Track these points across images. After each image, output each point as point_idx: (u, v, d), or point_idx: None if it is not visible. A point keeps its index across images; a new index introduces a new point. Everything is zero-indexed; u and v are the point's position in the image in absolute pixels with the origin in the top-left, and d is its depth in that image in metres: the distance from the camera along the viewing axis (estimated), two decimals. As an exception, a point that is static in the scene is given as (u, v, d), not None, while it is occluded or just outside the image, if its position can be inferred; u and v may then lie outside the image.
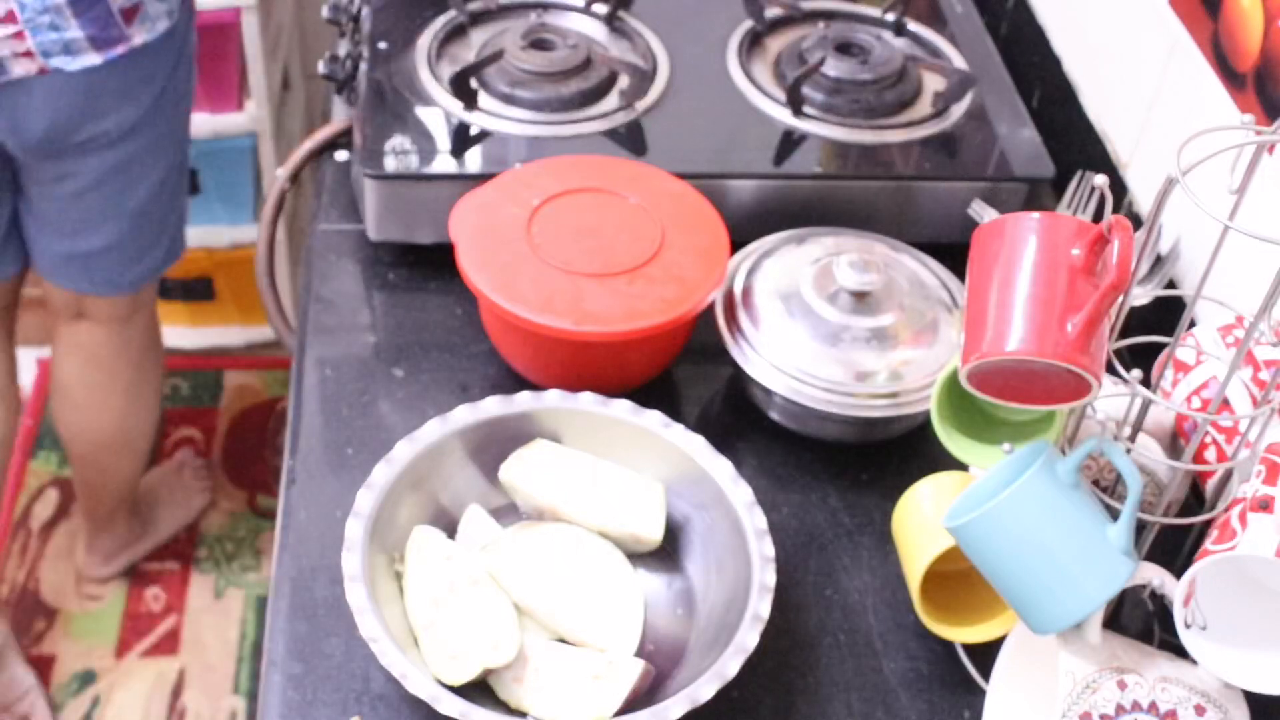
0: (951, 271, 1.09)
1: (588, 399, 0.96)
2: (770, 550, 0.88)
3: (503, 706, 0.85)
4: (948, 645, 0.94)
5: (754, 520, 0.90)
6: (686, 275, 1.02)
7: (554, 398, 0.96)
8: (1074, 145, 1.25)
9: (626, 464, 0.95)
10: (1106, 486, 0.90)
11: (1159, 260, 1.04)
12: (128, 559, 1.96)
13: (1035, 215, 0.77)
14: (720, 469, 0.93)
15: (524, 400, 0.95)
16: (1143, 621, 0.94)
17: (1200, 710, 0.80)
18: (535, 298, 0.99)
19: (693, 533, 0.94)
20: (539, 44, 1.23)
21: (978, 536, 0.80)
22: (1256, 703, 0.82)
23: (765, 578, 0.86)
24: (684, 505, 0.95)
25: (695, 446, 0.94)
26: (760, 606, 0.85)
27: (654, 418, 0.95)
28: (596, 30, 1.30)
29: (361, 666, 0.89)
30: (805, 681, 0.91)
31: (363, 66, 1.23)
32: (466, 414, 0.94)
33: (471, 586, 0.88)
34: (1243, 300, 0.87)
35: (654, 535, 0.92)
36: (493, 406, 0.95)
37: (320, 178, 1.27)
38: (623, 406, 0.96)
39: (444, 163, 1.15)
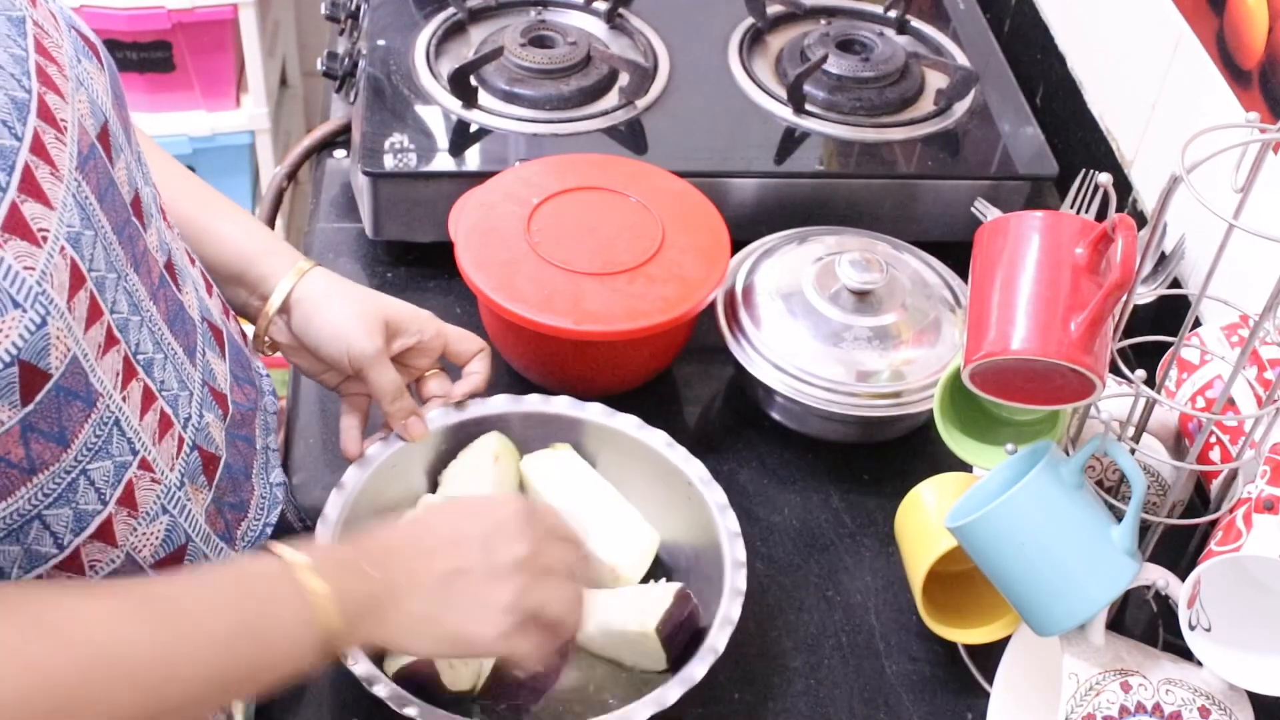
0: (954, 270, 1.08)
1: (563, 402, 0.95)
2: (742, 554, 0.87)
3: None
4: (950, 647, 0.93)
5: (727, 523, 0.89)
6: (687, 274, 1.01)
7: (535, 401, 0.95)
8: (1077, 143, 1.25)
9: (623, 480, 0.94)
10: (1110, 487, 0.90)
11: (1163, 259, 1.04)
12: None
13: (1038, 214, 0.76)
14: (693, 469, 0.91)
15: (499, 403, 0.95)
16: (1147, 623, 0.94)
17: (1205, 712, 0.79)
18: (535, 297, 0.99)
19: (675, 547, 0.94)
20: (538, 41, 1.22)
21: (980, 537, 0.80)
22: (1261, 704, 0.82)
23: (737, 581, 0.85)
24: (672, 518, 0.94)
25: (669, 448, 0.93)
26: (718, 639, 0.83)
27: (629, 420, 0.94)
28: (596, 27, 1.30)
29: (361, 668, 0.88)
30: (807, 683, 0.91)
31: (361, 64, 1.22)
32: (440, 416, 0.94)
33: None
34: (1248, 299, 0.87)
35: (631, 577, 0.91)
36: (470, 409, 0.95)
37: (318, 176, 1.26)
38: (596, 409, 0.95)
39: (443, 161, 1.14)
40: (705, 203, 1.08)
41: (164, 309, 0.74)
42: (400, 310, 0.92)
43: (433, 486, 0.94)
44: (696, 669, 0.81)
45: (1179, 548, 0.88)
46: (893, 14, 1.33)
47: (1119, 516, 0.79)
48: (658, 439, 0.93)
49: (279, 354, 0.93)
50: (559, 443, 0.95)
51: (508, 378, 1.08)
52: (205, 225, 0.89)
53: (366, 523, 0.88)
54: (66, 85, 0.66)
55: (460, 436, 0.94)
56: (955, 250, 1.09)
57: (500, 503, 0.80)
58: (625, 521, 0.93)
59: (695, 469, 0.92)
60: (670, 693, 0.80)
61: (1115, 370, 0.76)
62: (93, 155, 0.67)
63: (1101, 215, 1.02)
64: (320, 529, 0.86)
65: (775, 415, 1.05)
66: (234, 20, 1.98)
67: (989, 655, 0.90)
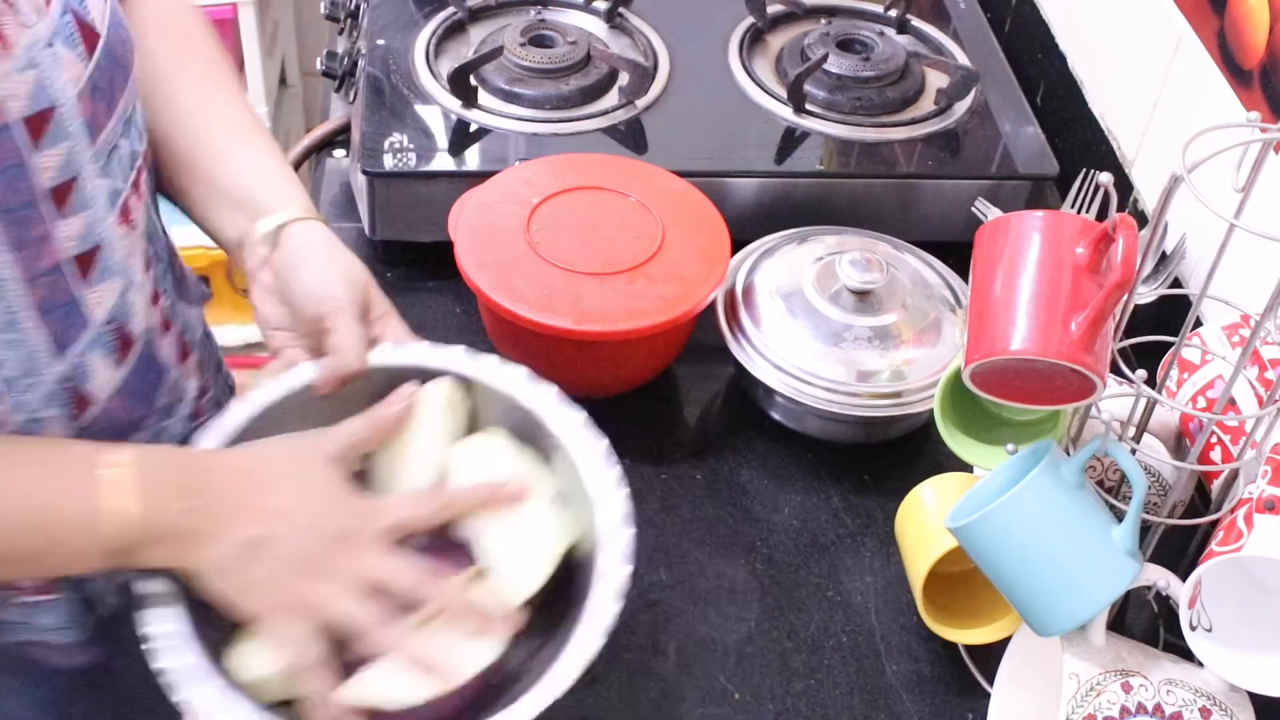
0: (955, 270, 1.08)
1: (457, 353, 0.86)
2: (615, 601, 0.75)
3: None
4: (951, 647, 0.93)
5: (612, 553, 0.78)
6: (687, 274, 1.01)
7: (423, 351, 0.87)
8: (1078, 143, 1.25)
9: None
10: (1111, 487, 0.90)
11: (1164, 258, 1.04)
12: None
13: (1039, 214, 0.76)
14: (570, 418, 0.83)
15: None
16: (1147, 623, 0.94)
17: (1206, 713, 0.79)
18: (535, 296, 0.98)
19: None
20: (538, 41, 1.22)
21: (981, 537, 0.80)
22: (1262, 705, 0.82)
23: (598, 625, 0.74)
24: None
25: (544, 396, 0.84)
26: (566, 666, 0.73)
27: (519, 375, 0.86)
28: (596, 27, 1.30)
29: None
30: (807, 683, 0.91)
31: (361, 63, 1.22)
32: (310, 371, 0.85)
33: None
34: (1248, 299, 0.87)
35: (510, 602, 0.78)
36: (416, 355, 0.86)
37: (318, 175, 1.26)
38: (457, 353, 0.86)
39: (443, 160, 1.14)
40: (705, 203, 1.07)
41: (39, 295, 0.74)
42: (380, 297, 0.89)
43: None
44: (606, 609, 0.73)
45: (1180, 548, 0.87)
46: (893, 13, 1.33)
47: (1120, 517, 0.79)
48: (518, 375, 0.85)
49: (245, 292, 0.89)
50: (493, 427, 0.86)
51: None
52: (227, 149, 0.89)
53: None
54: (3, 63, 0.67)
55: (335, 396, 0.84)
56: (956, 250, 1.09)
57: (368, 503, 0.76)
58: (526, 536, 0.80)
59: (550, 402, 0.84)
60: (588, 642, 0.72)
61: (1116, 370, 0.76)
62: (3, 133, 0.68)
63: (1102, 215, 1.02)
64: (207, 438, 0.80)
65: (775, 415, 1.05)
66: (233, 20, 1.98)
67: (989, 655, 0.90)
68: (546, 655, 0.75)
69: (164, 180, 0.90)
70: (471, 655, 0.75)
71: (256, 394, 0.83)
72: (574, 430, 0.83)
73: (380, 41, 1.24)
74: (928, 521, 0.89)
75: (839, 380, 0.99)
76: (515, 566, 0.79)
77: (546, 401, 0.85)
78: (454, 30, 1.28)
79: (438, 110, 1.18)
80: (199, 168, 0.89)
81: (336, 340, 0.84)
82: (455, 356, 0.86)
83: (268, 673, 0.74)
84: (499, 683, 0.76)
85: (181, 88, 0.90)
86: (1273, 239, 0.67)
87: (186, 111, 0.89)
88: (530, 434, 0.85)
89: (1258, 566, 0.83)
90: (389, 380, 0.84)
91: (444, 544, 0.80)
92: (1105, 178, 0.72)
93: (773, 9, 1.32)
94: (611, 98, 1.22)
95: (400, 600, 0.74)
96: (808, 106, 1.21)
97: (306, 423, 0.83)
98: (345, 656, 0.74)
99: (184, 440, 0.89)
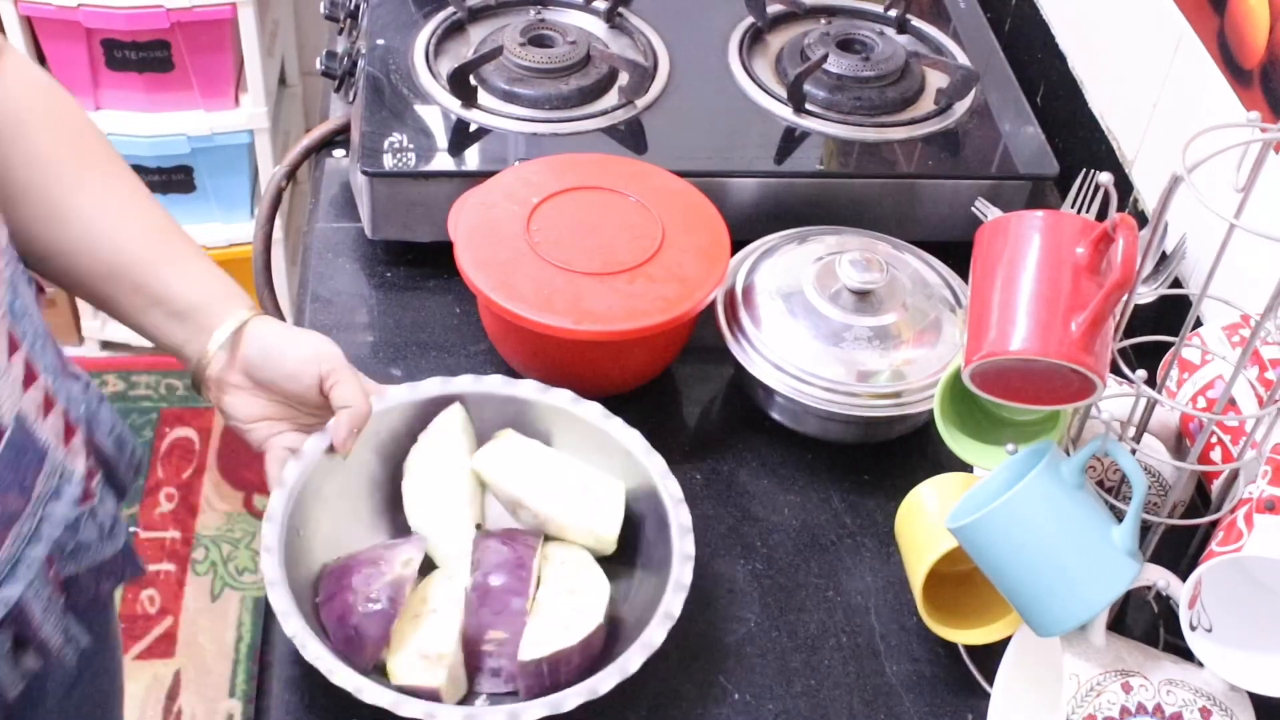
0: (954, 270, 1.08)
1: (530, 387, 0.95)
2: (691, 549, 0.87)
3: None
4: (951, 647, 0.93)
5: (679, 517, 0.88)
6: (687, 274, 1.01)
7: (495, 383, 0.95)
8: (1078, 142, 1.25)
9: (571, 454, 0.94)
10: (1111, 487, 0.90)
11: (1164, 258, 1.04)
12: None
13: (1039, 213, 0.76)
14: (654, 465, 0.91)
15: (431, 387, 0.94)
16: (1148, 623, 0.94)
17: (1206, 713, 0.79)
18: (534, 297, 0.98)
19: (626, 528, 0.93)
20: (538, 40, 1.22)
21: (981, 537, 0.80)
22: (1262, 705, 0.82)
23: (682, 576, 0.86)
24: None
25: (631, 440, 0.93)
26: (673, 604, 0.84)
27: (593, 409, 0.94)
28: (596, 27, 1.30)
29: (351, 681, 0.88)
30: (807, 683, 0.91)
31: (360, 63, 1.22)
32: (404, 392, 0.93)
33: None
34: (1249, 299, 0.87)
35: (610, 534, 0.90)
36: (432, 387, 0.94)
37: (317, 175, 1.26)
38: (563, 396, 0.94)
39: (442, 160, 1.14)
40: (705, 203, 1.07)
41: None
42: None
43: (386, 465, 0.94)
44: (633, 659, 0.81)
45: (1180, 548, 0.87)
46: (893, 13, 1.33)
47: (1120, 517, 0.79)
48: (593, 411, 0.94)
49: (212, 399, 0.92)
50: (500, 429, 0.95)
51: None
52: (159, 262, 0.89)
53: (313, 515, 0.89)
54: None
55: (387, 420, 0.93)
56: (956, 250, 1.09)
57: None
58: (589, 483, 0.92)
59: (633, 439, 0.92)
60: (604, 683, 0.80)
61: (1116, 370, 0.76)
62: None
63: (1102, 215, 1.02)
64: (267, 527, 0.86)
65: (775, 415, 1.05)
66: (233, 19, 1.98)
67: (989, 655, 0.90)
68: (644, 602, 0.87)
69: (75, 284, 0.89)
70: (595, 599, 0.87)
71: (306, 447, 0.89)
72: (596, 417, 0.94)
73: (380, 41, 1.24)
74: (928, 521, 0.89)
75: (839, 380, 0.99)
76: (597, 514, 0.91)
77: (563, 400, 0.95)
78: (454, 30, 1.28)
79: (437, 110, 1.18)
80: (129, 278, 0.88)
81: (343, 393, 0.89)
82: (455, 383, 0.95)
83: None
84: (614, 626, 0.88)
85: (88, 199, 0.87)
86: (1273, 239, 0.67)
87: (103, 224, 0.87)
88: (534, 432, 0.96)
89: (1258, 566, 0.83)
90: (403, 418, 0.94)
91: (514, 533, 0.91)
92: (1105, 177, 0.72)
93: (773, 9, 1.32)
94: (611, 98, 1.22)
95: None
96: (808, 106, 1.21)
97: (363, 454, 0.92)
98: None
99: (74, 526, 0.82)
